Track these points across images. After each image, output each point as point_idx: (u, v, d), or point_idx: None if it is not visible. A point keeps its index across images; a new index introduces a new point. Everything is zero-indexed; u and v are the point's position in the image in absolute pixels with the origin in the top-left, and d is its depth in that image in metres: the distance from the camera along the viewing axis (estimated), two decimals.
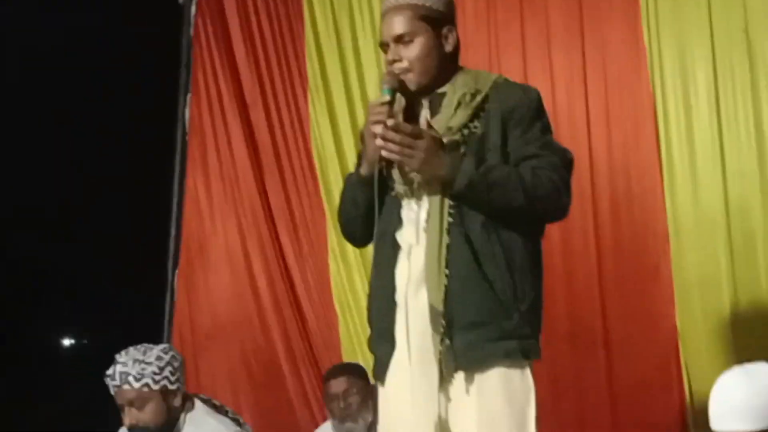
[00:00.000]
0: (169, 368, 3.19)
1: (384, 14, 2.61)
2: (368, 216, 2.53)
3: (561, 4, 4.20)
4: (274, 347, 4.71)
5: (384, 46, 2.61)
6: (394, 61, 2.56)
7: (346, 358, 4.44)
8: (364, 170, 2.57)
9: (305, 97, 4.76)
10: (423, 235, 2.50)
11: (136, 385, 3.15)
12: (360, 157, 2.64)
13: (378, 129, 2.43)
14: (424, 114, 2.58)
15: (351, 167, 2.82)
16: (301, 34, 4.78)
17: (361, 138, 2.61)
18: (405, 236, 2.54)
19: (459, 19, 2.74)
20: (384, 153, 2.44)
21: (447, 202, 2.47)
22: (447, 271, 2.44)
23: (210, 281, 4.87)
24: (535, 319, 2.51)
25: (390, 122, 2.43)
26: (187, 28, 4.98)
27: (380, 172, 2.51)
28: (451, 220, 2.46)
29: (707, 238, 3.87)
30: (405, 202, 2.55)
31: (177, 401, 3.22)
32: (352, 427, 3.63)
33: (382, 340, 2.56)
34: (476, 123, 2.51)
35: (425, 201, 2.52)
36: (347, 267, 4.59)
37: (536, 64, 4.19)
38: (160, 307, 4.90)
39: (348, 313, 4.59)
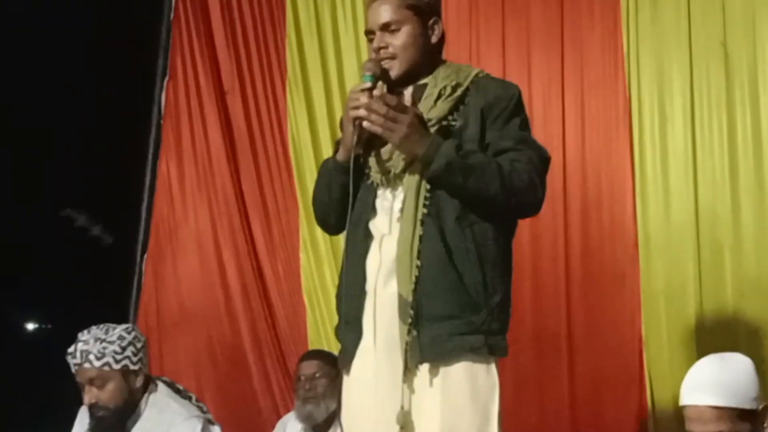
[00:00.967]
0: (131, 348, 3.18)
1: (371, 2, 2.62)
2: (342, 203, 2.52)
3: (542, 7, 4.22)
4: (240, 336, 4.70)
5: (369, 33, 2.61)
6: (380, 48, 2.55)
7: None
8: (340, 156, 2.56)
9: (283, 86, 4.75)
10: (396, 225, 2.50)
11: (97, 363, 3.13)
12: (338, 144, 2.63)
13: (363, 98, 2.42)
14: (407, 99, 2.58)
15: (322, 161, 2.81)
16: (282, 24, 4.77)
17: (340, 125, 2.61)
18: (378, 225, 2.54)
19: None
20: (366, 124, 2.43)
21: (423, 193, 2.47)
22: (418, 262, 2.43)
23: (178, 267, 4.84)
24: (503, 316, 2.51)
25: (377, 92, 2.43)
26: (168, 12, 4.95)
27: (357, 159, 2.51)
28: (425, 211, 2.46)
29: (676, 247, 3.90)
30: (380, 191, 2.55)
31: (138, 382, 3.20)
32: (312, 410, 3.63)
33: (349, 329, 2.55)
34: (455, 116, 2.52)
35: (400, 191, 2.51)
36: (318, 259, 4.58)
37: (515, 65, 4.20)
38: (126, 292, 4.87)
39: (316, 305, 4.58)
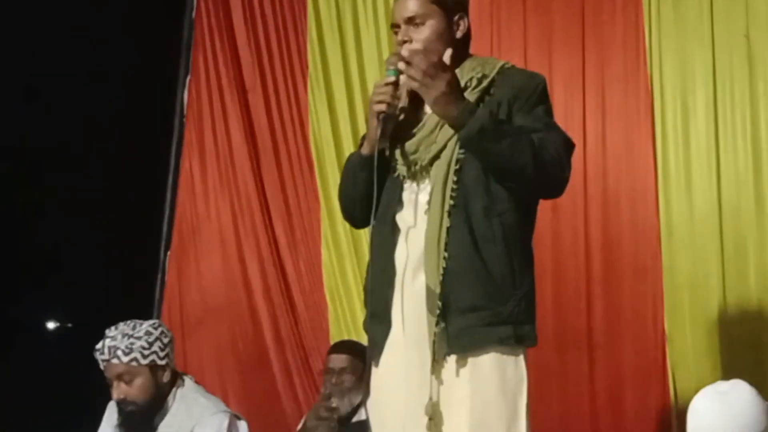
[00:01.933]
0: (159, 343, 3.21)
1: None
2: (368, 197, 2.53)
3: (564, 1, 4.21)
4: (263, 333, 4.71)
5: (395, 27, 2.61)
6: (404, 41, 2.55)
7: None
8: (365, 150, 2.58)
9: (305, 84, 4.76)
10: (422, 218, 2.51)
11: (125, 359, 3.17)
12: (363, 139, 2.64)
13: (405, 51, 2.43)
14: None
15: (348, 155, 2.80)
16: (304, 21, 4.77)
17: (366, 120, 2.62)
18: (405, 218, 2.55)
19: None
20: (403, 78, 2.44)
21: (450, 185, 2.47)
22: (446, 254, 2.44)
23: (201, 264, 4.87)
24: (530, 306, 2.52)
25: (417, 45, 2.43)
26: (190, 10, 4.97)
27: (382, 152, 2.52)
28: (452, 203, 2.46)
29: (699, 241, 3.88)
30: (407, 185, 2.56)
31: (166, 377, 3.23)
32: (337, 402, 3.64)
33: (378, 321, 2.56)
34: (482, 107, 2.51)
35: (427, 184, 2.53)
36: (339, 255, 4.59)
37: (536, 60, 4.19)
38: (150, 289, 4.90)
39: (338, 302, 4.59)
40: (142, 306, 4.79)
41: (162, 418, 3.23)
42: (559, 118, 3.97)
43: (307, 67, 4.76)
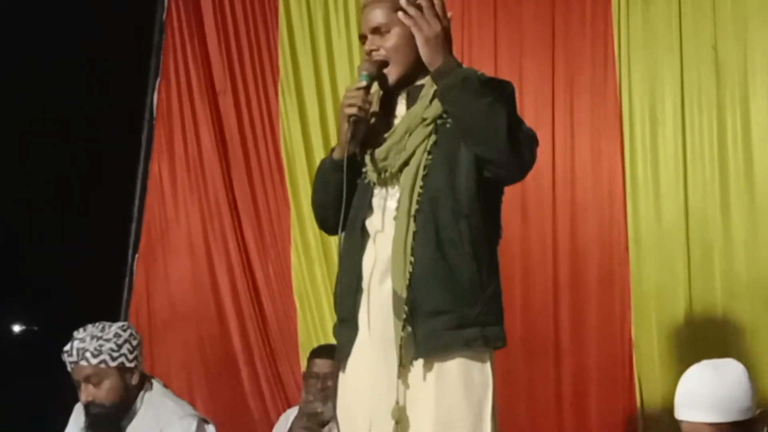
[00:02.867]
0: (128, 345, 3.19)
1: (363, 7, 2.65)
2: (340, 202, 2.54)
3: (534, 11, 4.24)
4: (231, 338, 4.70)
5: (362, 38, 2.64)
6: (372, 51, 2.59)
7: (304, 353, 4.42)
8: (336, 154, 2.59)
9: (275, 88, 4.75)
10: (390, 223, 2.52)
11: (94, 361, 3.14)
12: (333, 149, 2.65)
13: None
14: (400, 106, 2.61)
15: (318, 161, 2.82)
16: (275, 26, 4.77)
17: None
18: (373, 223, 2.57)
19: None
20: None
21: (417, 190, 2.49)
22: (412, 258, 2.45)
23: (169, 269, 4.84)
24: (498, 308, 2.53)
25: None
26: (160, 12, 4.96)
27: (353, 157, 2.53)
28: (418, 207, 2.48)
29: (666, 249, 3.92)
30: (377, 190, 2.58)
31: (134, 380, 3.22)
32: (321, 408, 3.62)
33: (345, 327, 2.58)
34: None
35: (396, 190, 2.54)
36: (309, 260, 4.59)
37: (506, 69, 4.22)
38: (117, 293, 4.87)
39: (307, 307, 4.59)
40: (109, 310, 4.75)
41: (129, 421, 3.20)
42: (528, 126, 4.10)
43: (278, 71, 4.75)
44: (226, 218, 4.76)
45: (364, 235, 2.56)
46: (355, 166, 2.56)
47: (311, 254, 4.58)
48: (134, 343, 3.22)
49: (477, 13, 4.36)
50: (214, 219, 4.78)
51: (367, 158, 2.58)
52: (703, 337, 3.81)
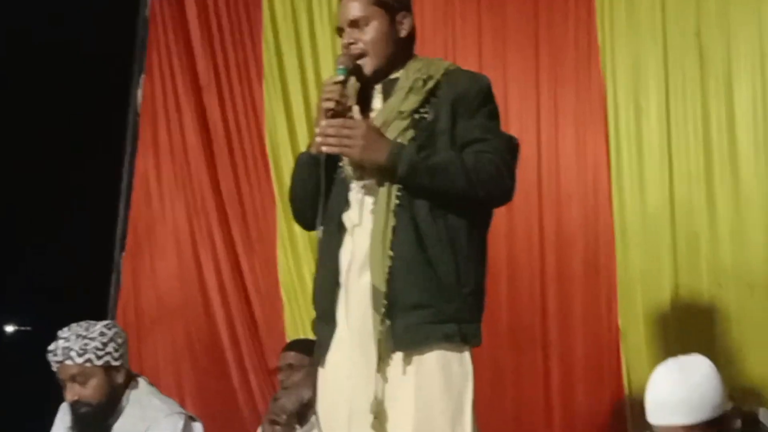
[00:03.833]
0: (113, 344, 3.18)
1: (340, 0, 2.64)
2: (317, 197, 2.55)
3: (518, 2, 4.24)
4: (219, 333, 4.69)
5: (339, 31, 2.65)
6: (350, 44, 2.59)
7: None
8: (314, 149, 2.59)
9: (260, 83, 4.74)
10: (367, 217, 2.52)
11: (79, 360, 3.13)
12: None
13: (321, 123, 2.47)
14: (376, 100, 2.61)
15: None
16: (259, 20, 4.75)
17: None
18: (351, 217, 2.56)
19: (417, 12, 2.77)
20: (324, 149, 2.48)
21: (396, 184, 2.49)
22: (391, 253, 2.45)
23: (156, 264, 4.83)
24: (476, 306, 2.53)
25: (323, 120, 2.47)
26: (143, 8, 4.93)
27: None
28: (398, 202, 2.48)
29: (652, 238, 3.92)
30: (353, 184, 2.57)
31: (120, 378, 3.20)
32: (285, 401, 3.63)
33: (324, 322, 2.58)
34: (427, 108, 2.54)
35: (372, 183, 2.53)
36: (295, 254, 4.58)
37: (491, 60, 4.22)
38: (104, 289, 4.86)
39: (294, 302, 4.58)
40: (97, 307, 4.75)
41: (116, 420, 3.19)
42: (513, 117, 4.11)
43: (262, 65, 4.74)
44: (212, 214, 4.75)
45: (341, 229, 2.56)
46: (331, 160, 2.56)
47: (297, 248, 4.58)
48: (119, 341, 3.21)
49: (461, 6, 4.36)
50: (200, 214, 4.77)
51: None
52: (690, 325, 3.80)
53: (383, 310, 2.44)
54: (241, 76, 4.79)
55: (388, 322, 2.44)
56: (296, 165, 2.71)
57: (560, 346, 4.05)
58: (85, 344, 3.14)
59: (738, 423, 2.53)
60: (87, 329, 3.18)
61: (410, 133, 2.52)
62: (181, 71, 4.84)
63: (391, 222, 2.47)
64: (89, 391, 3.15)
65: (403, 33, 2.63)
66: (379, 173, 2.50)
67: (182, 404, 4.35)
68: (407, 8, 2.66)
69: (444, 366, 2.46)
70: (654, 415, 2.54)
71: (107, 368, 3.17)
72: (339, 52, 4.35)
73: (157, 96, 4.88)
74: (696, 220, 3.86)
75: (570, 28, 4.15)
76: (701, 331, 3.75)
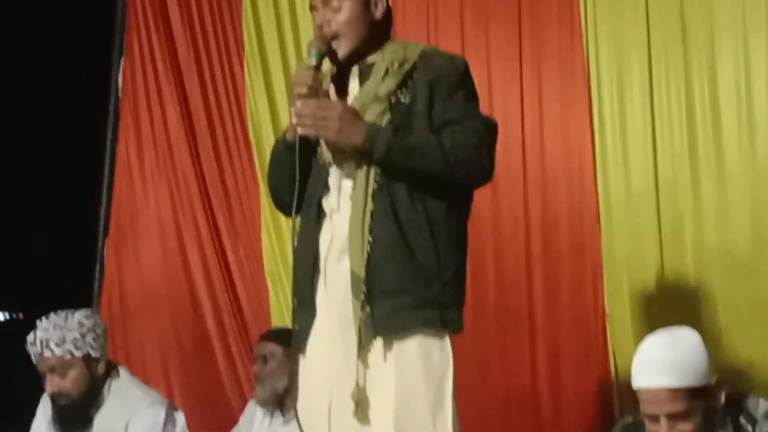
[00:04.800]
0: (92, 334, 3.15)
1: None
2: (295, 183, 2.51)
3: None
4: (204, 321, 4.66)
5: (313, 9, 2.61)
6: (322, 25, 2.55)
7: None
8: (290, 135, 2.56)
9: (241, 65, 4.69)
10: (346, 202, 2.50)
11: (58, 351, 3.10)
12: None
13: (297, 104, 2.45)
14: (352, 84, 2.58)
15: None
16: (239, 1, 4.71)
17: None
18: (330, 203, 2.54)
19: None
20: (300, 130, 2.45)
21: (373, 168, 2.47)
22: (370, 238, 2.43)
23: (140, 252, 4.79)
24: (457, 291, 2.51)
25: (299, 101, 2.44)
26: None
27: (306, 137, 2.50)
28: (376, 186, 2.46)
29: (637, 219, 3.89)
30: (332, 170, 2.55)
31: (101, 369, 3.18)
32: (259, 391, 3.63)
33: (303, 310, 2.56)
34: (404, 91, 2.51)
35: (351, 167, 2.51)
36: (280, 240, 4.54)
37: (473, 40, 4.18)
38: (88, 278, 4.82)
39: (279, 288, 4.55)
40: (81, 295, 4.71)
41: (97, 411, 3.17)
42: (496, 99, 4.08)
43: (243, 47, 4.69)
44: (196, 199, 4.71)
45: (320, 214, 2.54)
46: (308, 146, 2.54)
47: (282, 234, 4.53)
48: (98, 331, 3.18)
49: None
50: (184, 200, 4.73)
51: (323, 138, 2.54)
52: (675, 306, 3.78)
53: (363, 296, 2.42)
54: (221, 58, 4.74)
55: (368, 308, 2.42)
56: (273, 151, 2.69)
57: (547, 328, 4.04)
58: (64, 335, 3.11)
59: (722, 397, 2.53)
60: (65, 320, 3.15)
61: (387, 117, 2.49)
62: (161, 54, 4.78)
63: (370, 207, 2.45)
64: (69, 382, 3.13)
65: (378, 15, 2.60)
66: (357, 155, 2.47)
67: (168, 392, 4.39)
68: None
69: (424, 352, 2.44)
70: (640, 377, 2.53)
71: (87, 359, 3.14)
72: None
73: (138, 80, 4.82)
74: (681, 200, 3.83)
75: (552, 7, 4.10)
76: (687, 313, 3.72)
